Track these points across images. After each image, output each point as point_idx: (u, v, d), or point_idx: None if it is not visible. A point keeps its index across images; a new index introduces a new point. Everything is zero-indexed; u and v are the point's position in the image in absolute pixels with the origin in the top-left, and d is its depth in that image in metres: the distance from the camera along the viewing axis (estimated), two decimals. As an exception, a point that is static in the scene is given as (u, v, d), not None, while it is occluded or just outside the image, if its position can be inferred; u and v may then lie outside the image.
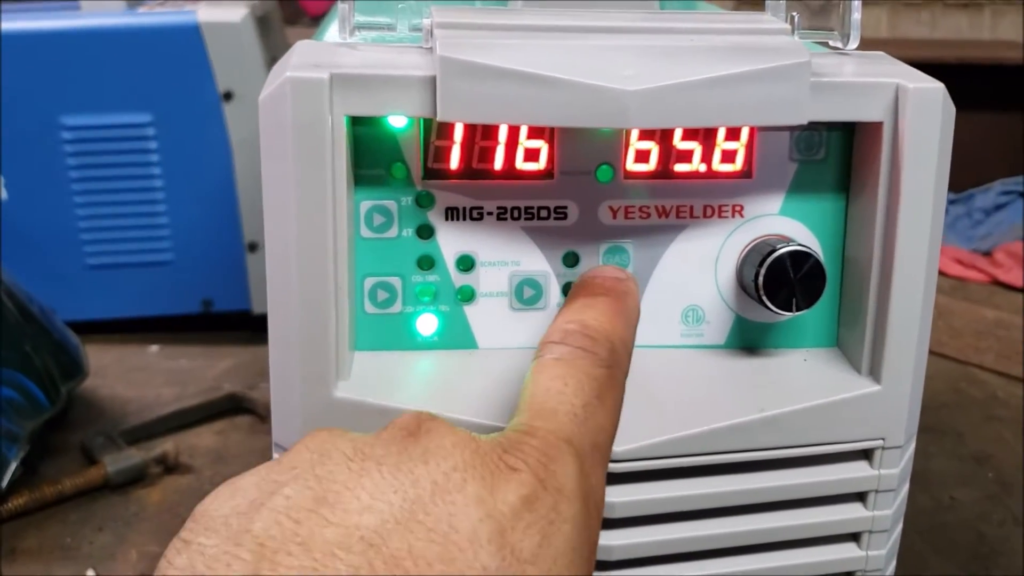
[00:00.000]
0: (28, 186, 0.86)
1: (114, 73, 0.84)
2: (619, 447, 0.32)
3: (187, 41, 0.84)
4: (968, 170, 1.35)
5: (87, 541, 0.60)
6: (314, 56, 0.31)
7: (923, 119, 0.31)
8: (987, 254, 1.19)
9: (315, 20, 2.10)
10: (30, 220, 0.87)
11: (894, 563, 0.37)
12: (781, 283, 0.33)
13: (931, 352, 0.98)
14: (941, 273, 1.18)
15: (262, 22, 0.87)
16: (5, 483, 0.58)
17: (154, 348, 0.90)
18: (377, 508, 0.21)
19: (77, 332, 0.76)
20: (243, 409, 0.77)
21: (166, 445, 0.68)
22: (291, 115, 0.29)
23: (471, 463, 0.23)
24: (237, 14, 0.83)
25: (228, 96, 0.84)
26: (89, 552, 0.59)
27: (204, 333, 0.92)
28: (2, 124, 0.84)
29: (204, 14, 0.83)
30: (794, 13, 0.35)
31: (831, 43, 0.35)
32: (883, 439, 0.34)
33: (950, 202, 1.29)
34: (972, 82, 1.33)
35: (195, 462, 0.70)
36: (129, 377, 0.84)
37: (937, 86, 0.31)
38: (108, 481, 0.64)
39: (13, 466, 0.59)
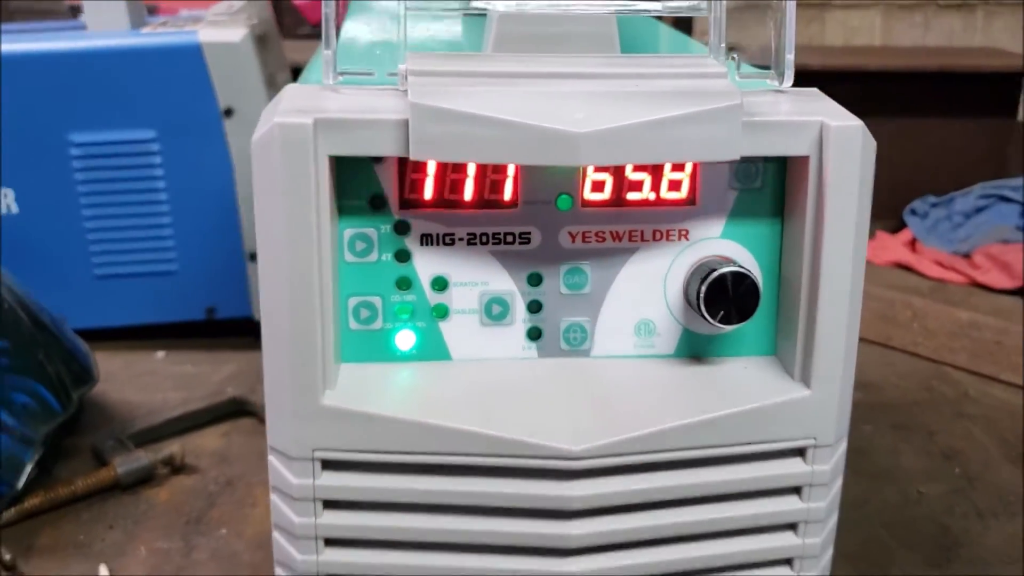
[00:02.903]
0: (38, 200, 0.90)
1: (120, 91, 0.88)
2: (577, 447, 0.35)
3: (189, 60, 0.87)
4: (949, 174, 1.39)
5: (99, 538, 0.63)
6: (300, 101, 0.35)
7: (844, 153, 0.35)
8: (967, 256, 1.23)
9: (316, 28, 2.13)
10: (40, 233, 0.91)
11: (830, 551, 0.41)
12: (719, 300, 0.36)
13: (906, 352, 1.02)
14: (921, 275, 1.22)
15: (261, 41, 0.91)
16: (21, 484, 0.62)
17: (160, 354, 0.94)
18: None
19: (86, 339, 0.80)
20: (246, 412, 0.81)
21: (173, 447, 0.71)
22: (279, 156, 0.33)
23: None
24: (237, 34, 0.87)
25: (229, 112, 0.88)
26: (101, 549, 0.62)
27: (208, 339, 0.96)
28: (13, 141, 0.87)
29: (205, 35, 0.87)
30: (735, 55, 0.39)
31: (770, 81, 0.39)
32: (815, 438, 0.38)
33: (932, 205, 1.33)
34: (953, 90, 1.37)
35: (200, 463, 0.74)
36: (137, 382, 0.87)
37: (856, 124, 0.35)
38: (118, 482, 0.67)
39: (28, 468, 0.63)
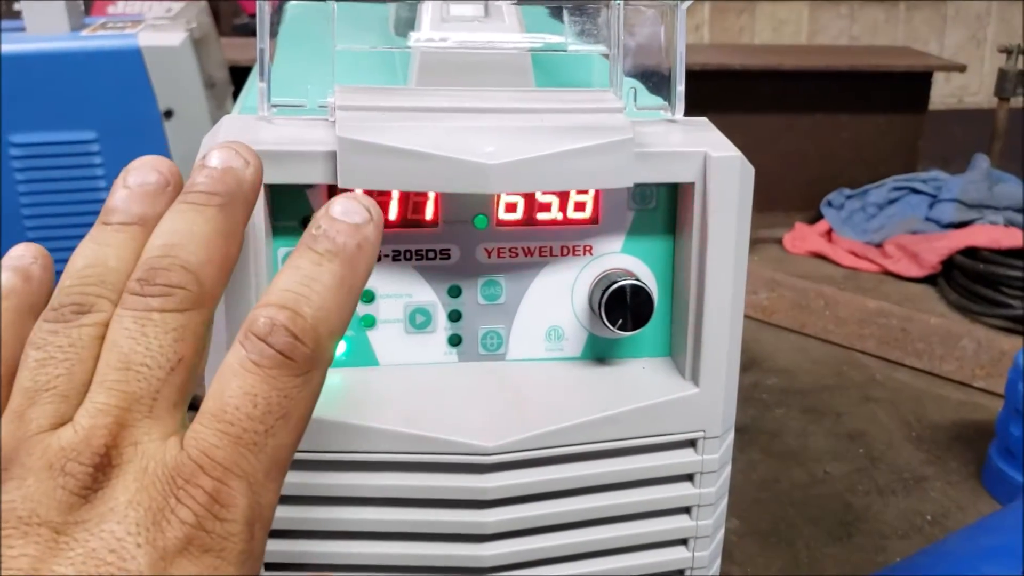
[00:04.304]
0: (-22, 200, 0.91)
1: (59, 93, 0.90)
2: (491, 443, 0.40)
3: (129, 63, 0.90)
4: (864, 167, 1.46)
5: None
6: (237, 133, 0.39)
7: (724, 180, 0.40)
8: (879, 246, 1.29)
9: (253, 17, 2.13)
10: (-19, 232, 0.92)
11: (722, 531, 0.46)
12: (618, 309, 0.41)
13: (818, 339, 1.09)
14: (836, 264, 1.28)
15: (199, 44, 0.93)
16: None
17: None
18: None
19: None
20: (194, 407, 0.84)
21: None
22: (219, 186, 0.37)
23: (143, 523, 0.24)
24: (176, 38, 0.90)
25: (168, 114, 0.91)
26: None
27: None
28: (-47, 143, 0.89)
29: (144, 38, 0.89)
30: (635, 87, 0.43)
31: (664, 112, 0.43)
32: (703, 431, 0.42)
33: (847, 197, 1.39)
34: (868, 87, 1.43)
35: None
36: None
37: (735, 154, 0.40)
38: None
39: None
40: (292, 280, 0.28)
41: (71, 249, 0.90)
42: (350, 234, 0.29)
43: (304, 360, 0.27)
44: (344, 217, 0.30)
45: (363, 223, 0.30)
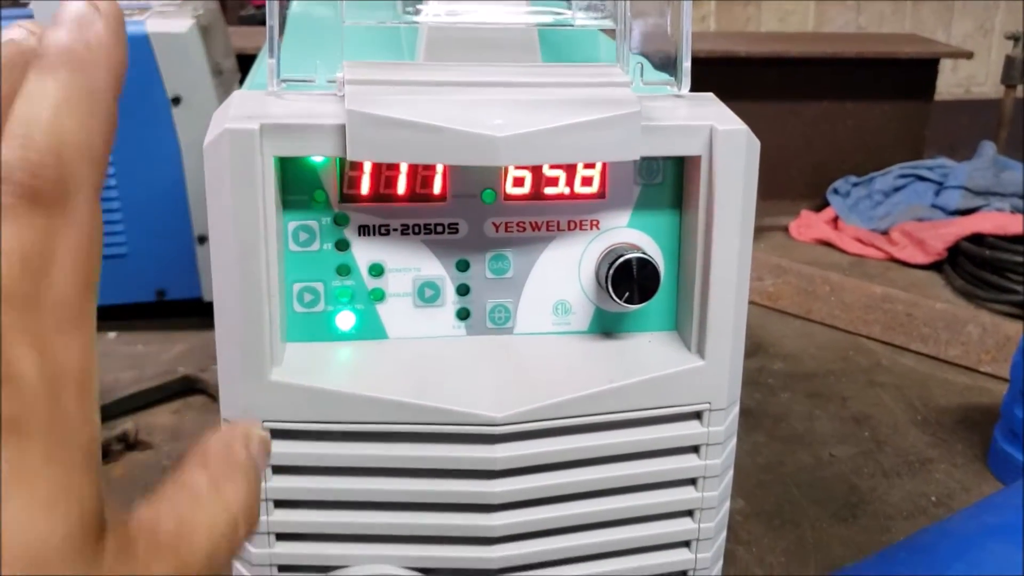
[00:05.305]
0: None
1: (68, 80, 0.90)
2: (499, 414, 0.40)
3: (137, 50, 0.90)
4: (870, 155, 1.45)
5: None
6: (248, 107, 0.39)
7: (731, 153, 0.40)
8: (885, 233, 1.29)
9: (259, 9, 2.14)
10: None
11: (727, 504, 0.46)
12: (625, 283, 0.41)
13: (824, 324, 1.09)
14: (842, 251, 1.28)
15: (207, 31, 0.93)
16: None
17: (112, 335, 0.97)
18: None
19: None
20: (196, 390, 0.85)
21: (127, 424, 0.75)
22: (229, 158, 0.37)
23: None
24: (183, 25, 0.90)
25: (176, 101, 0.91)
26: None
27: (158, 320, 0.99)
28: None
29: (152, 25, 0.90)
30: (641, 63, 0.43)
31: (670, 87, 0.43)
32: (709, 403, 0.43)
33: (853, 184, 1.39)
34: (874, 74, 1.43)
35: (154, 439, 0.78)
36: (90, 362, 0.90)
37: (741, 127, 0.40)
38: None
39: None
40: (21, 109, 0.23)
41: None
42: (73, 38, 0.24)
43: (51, 186, 0.22)
44: (66, 23, 0.24)
45: (88, 22, 0.24)
